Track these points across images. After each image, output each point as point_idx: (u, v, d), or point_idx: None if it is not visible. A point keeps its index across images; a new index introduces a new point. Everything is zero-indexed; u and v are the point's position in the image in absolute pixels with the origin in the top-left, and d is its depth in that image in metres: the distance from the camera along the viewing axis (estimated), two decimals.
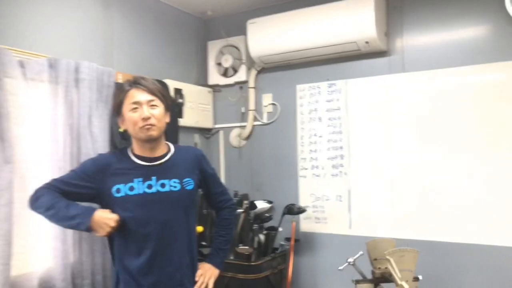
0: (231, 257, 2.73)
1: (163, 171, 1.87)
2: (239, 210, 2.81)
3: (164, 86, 1.98)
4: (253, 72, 3.29)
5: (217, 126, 3.49)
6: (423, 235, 2.66)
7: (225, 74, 3.42)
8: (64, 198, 1.77)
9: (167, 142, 1.99)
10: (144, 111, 1.79)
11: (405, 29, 2.82)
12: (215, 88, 3.48)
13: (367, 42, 2.72)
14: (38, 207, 1.76)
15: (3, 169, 2.00)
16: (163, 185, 1.85)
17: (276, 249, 2.97)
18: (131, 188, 1.81)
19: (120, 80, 2.65)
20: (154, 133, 1.82)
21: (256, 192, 3.27)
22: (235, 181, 3.40)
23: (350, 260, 2.05)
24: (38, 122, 2.22)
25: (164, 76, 3.02)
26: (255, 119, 3.31)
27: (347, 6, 2.73)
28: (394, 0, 2.83)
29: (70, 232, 2.24)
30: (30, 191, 1.88)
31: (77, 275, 2.28)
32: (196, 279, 1.94)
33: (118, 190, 1.80)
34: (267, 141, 3.29)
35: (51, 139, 2.25)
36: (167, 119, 1.92)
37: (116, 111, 1.89)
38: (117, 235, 1.81)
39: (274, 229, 2.91)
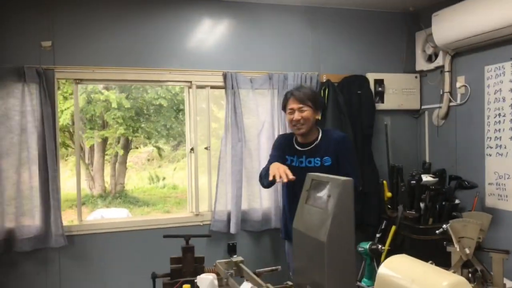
0: (404, 220, 3.33)
1: (310, 152, 2.65)
2: (427, 179, 3.25)
3: (315, 93, 2.66)
4: (448, 57, 3.57)
5: (423, 107, 3.93)
6: None
7: (428, 60, 3.81)
8: None
9: (319, 129, 2.65)
10: (295, 115, 2.54)
11: None
12: (421, 73, 3.92)
13: None
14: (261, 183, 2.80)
15: (238, 144, 3.43)
16: (309, 162, 2.66)
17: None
18: (291, 161, 2.71)
19: (324, 80, 3.67)
20: (302, 131, 2.56)
21: (450, 167, 3.59)
22: (435, 157, 3.80)
23: (445, 226, 2.39)
24: (260, 115, 3.54)
25: (364, 71, 3.81)
26: (450, 100, 3.60)
27: None
28: None
29: (279, 187, 3.48)
30: (253, 158, 3.25)
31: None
32: None
33: (286, 159, 2.71)
34: (460, 120, 3.54)
35: (268, 126, 3.53)
36: (318, 116, 2.60)
37: (284, 109, 2.77)
38: (283, 190, 2.86)
39: (448, 200, 3.27)
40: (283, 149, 2.75)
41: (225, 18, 3.54)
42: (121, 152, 11.17)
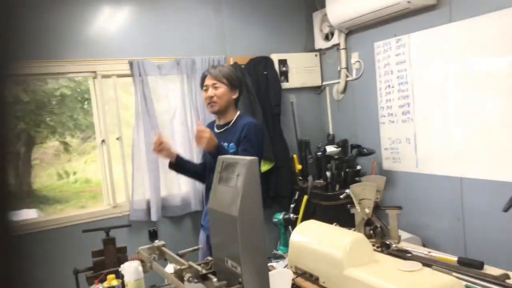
0: (314, 189, 3.60)
1: (224, 135, 2.47)
2: (331, 150, 3.53)
3: (231, 71, 2.51)
4: (342, 35, 3.86)
5: (324, 83, 4.22)
6: (472, 172, 2.92)
7: (326, 39, 4.08)
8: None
9: (238, 112, 2.54)
10: (209, 92, 2.44)
11: None
12: (320, 51, 4.18)
13: (408, 1, 3.00)
14: None
15: (151, 132, 3.43)
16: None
17: None
18: None
19: (232, 63, 3.77)
20: (215, 108, 2.45)
21: (352, 136, 3.92)
22: (338, 128, 4.12)
23: (347, 191, 2.68)
24: (171, 101, 3.56)
25: (269, 52, 3.97)
26: (347, 76, 3.91)
27: None
28: None
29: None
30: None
31: (203, 198, 3.62)
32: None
33: None
34: (356, 94, 3.87)
35: (180, 111, 3.58)
36: (234, 95, 2.48)
37: (202, 88, 2.61)
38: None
39: (350, 167, 3.58)
40: None
41: (125, 5, 3.47)
42: (21, 149, 10.44)
